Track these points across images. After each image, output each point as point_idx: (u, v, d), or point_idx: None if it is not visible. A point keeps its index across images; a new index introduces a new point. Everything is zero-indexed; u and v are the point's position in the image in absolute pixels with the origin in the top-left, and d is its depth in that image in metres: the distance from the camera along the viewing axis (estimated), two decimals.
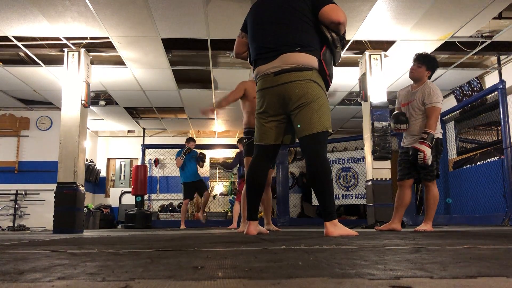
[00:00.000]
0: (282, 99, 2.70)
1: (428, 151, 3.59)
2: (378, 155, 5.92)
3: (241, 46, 3.05)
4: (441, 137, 3.85)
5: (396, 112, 3.99)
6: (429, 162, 3.62)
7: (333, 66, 2.82)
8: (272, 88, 2.71)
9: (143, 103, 8.97)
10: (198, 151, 8.18)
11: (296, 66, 2.66)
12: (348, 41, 5.96)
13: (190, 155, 7.84)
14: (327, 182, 2.62)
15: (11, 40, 5.83)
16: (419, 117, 3.82)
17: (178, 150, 8.13)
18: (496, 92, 5.81)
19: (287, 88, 2.66)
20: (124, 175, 11.70)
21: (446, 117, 7.49)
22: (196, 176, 7.97)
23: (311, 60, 2.67)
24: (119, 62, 6.74)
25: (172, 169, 11.11)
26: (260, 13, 2.89)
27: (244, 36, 3.01)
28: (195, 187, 7.86)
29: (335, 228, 2.58)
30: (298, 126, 2.69)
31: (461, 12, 5.20)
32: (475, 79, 7.49)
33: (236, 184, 8.70)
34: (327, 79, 2.75)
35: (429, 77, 3.91)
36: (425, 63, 3.86)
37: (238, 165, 7.35)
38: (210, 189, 10.96)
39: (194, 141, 8.03)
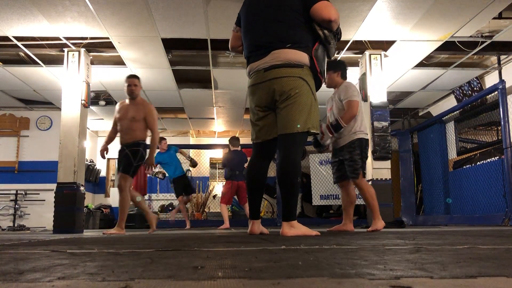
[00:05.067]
0: (270, 94, 2.69)
1: (325, 131, 3.78)
2: (378, 155, 5.93)
3: (236, 40, 3.03)
4: (366, 137, 3.92)
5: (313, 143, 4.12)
6: (326, 142, 3.81)
7: (326, 62, 2.81)
8: (262, 83, 2.71)
9: None
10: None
11: (286, 62, 2.64)
12: (348, 41, 5.96)
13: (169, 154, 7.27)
14: (293, 185, 2.62)
15: (11, 40, 5.83)
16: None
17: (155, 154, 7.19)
18: (496, 92, 5.82)
19: (275, 83, 2.65)
20: None
21: (446, 117, 7.49)
22: (181, 169, 7.44)
23: (302, 57, 2.66)
24: (119, 62, 6.74)
25: None
26: (253, 9, 2.87)
27: (239, 30, 2.99)
28: (184, 181, 7.40)
29: (290, 229, 2.60)
30: (279, 122, 2.69)
31: (461, 12, 5.20)
32: (475, 79, 7.48)
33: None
34: (318, 76, 2.73)
35: (344, 77, 4.05)
36: (330, 69, 3.98)
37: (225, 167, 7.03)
38: (210, 188, 10.95)
39: (165, 139, 7.37)
